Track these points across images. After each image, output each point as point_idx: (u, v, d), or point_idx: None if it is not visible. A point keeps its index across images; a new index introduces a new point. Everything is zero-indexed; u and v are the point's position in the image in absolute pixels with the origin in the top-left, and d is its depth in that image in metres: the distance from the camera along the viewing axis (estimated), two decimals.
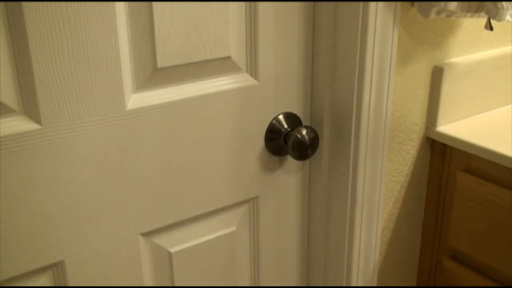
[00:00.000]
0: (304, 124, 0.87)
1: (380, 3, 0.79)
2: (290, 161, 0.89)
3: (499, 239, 0.98)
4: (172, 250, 0.80)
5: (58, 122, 0.64)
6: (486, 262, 1.02)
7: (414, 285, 1.17)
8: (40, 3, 0.58)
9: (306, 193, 0.94)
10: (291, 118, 0.85)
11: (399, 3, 0.82)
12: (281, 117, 0.84)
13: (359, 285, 0.98)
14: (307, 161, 0.91)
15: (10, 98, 0.61)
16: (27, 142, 0.62)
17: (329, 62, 0.84)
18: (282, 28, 0.79)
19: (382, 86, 0.85)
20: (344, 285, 0.97)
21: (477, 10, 0.83)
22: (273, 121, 0.83)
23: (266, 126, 0.83)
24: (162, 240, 0.79)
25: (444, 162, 1.05)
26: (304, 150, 0.80)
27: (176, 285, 0.83)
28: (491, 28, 0.89)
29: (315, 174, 0.92)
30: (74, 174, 0.67)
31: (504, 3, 0.79)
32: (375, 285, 1.01)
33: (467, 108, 1.06)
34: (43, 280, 0.71)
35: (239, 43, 0.76)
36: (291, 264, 0.98)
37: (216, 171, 0.80)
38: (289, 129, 0.83)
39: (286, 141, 0.82)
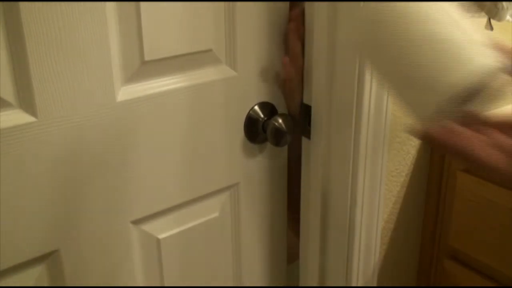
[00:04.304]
0: (279, 112, 0.90)
1: None
2: (270, 148, 0.92)
3: (499, 239, 0.98)
4: (160, 236, 0.83)
5: (53, 115, 0.66)
6: (486, 262, 1.02)
7: (414, 285, 1.17)
8: (35, 2, 0.61)
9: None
10: (268, 107, 0.88)
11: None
12: (259, 106, 0.87)
13: (359, 285, 0.98)
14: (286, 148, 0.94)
15: (7, 92, 0.63)
16: (24, 134, 0.65)
17: (329, 62, 0.84)
18: (261, 25, 0.83)
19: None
20: (344, 285, 0.97)
21: (477, 10, 0.83)
22: (252, 110, 0.86)
23: (245, 115, 0.86)
24: (150, 227, 0.82)
25: (444, 162, 1.05)
26: (283, 137, 0.85)
27: (164, 270, 0.86)
28: (491, 28, 0.89)
29: (315, 174, 0.92)
30: (69, 164, 0.70)
31: (504, 3, 0.80)
32: (375, 285, 1.01)
33: None
34: (40, 269, 0.72)
35: (219, 37, 0.80)
36: (277, 248, 1.00)
37: (200, 159, 0.83)
38: (266, 118, 0.87)
39: (265, 129, 0.86)
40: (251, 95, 0.85)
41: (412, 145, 1.00)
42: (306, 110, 0.91)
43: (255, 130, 0.87)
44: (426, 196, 1.09)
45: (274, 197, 0.96)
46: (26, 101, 0.64)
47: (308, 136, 0.92)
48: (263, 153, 0.91)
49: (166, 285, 0.86)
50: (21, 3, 0.60)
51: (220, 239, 0.92)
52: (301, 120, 0.92)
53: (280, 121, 0.84)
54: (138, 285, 0.83)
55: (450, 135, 0.38)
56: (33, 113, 0.65)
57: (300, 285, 1.04)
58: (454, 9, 0.41)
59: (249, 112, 0.86)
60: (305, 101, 0.91)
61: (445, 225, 1.08)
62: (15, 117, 0.64)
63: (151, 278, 0.85)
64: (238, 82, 0.83)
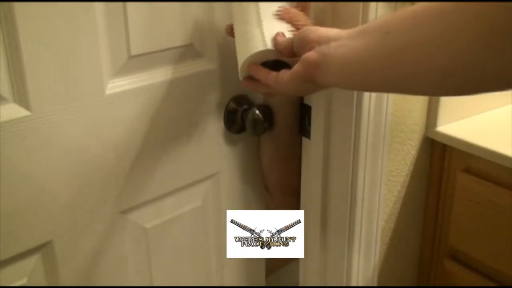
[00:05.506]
0: (256, 103, 0.93)
1: (380, 3, 0.79)
2: (248, 137, 0.95)
3: (499, 239, 0.98)
4: (147, 226, 0.86)
5: (47, 108, 0.69)
6: (486, 262, 1.02)
7: (414, 285, 1.17)
8: (30, 2, 0.64)
9: None
10: (246, 98, 0.92)
11: (399, 3, 0.82)
12: (237, 97, 0.90)
13: (359, 285, 0.98)
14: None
15: (2, 87, 0.65)
16: (19, 127, 0.67)
17: None
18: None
19: None
20: (344, 285, 0.97)
21: None
22: (231, 101, 0.90)
23: (224, 106, 0.90)
24: (137, 217, 0.85)
25: (444, 162, 1.05)
26: (261, 126, 0.89)
27: (152, 258, 0.88)
28: None
29: (315, 174, 0.92)
30: (62, 156, 0.72)
31: None
32: (375, 285, 1.01)
33: (467, 108, 1.06)
34: (35, 259, 0.74)
35: (199, 32, 0.83)
36: None
37: (183, 149, 0.86)
38: (244, 108, 0.91)
39: (243, 119, 0.90)
40: (230, 87, 0.89)
41: (412, 145, 1.01)
42: (306, 110, 0.91)
43: (234, 120, 0.91)
44: (426, 196, 1.09)
45: (252, 184, 1.00)
46: (21, 96, 0.66)
47: (308, 136, 0.92)
48: (241, 142, 0.95)
49: (154, 272, 0.89)
50: (16, 3, 0.62)
51: (204, 227, 0.95)
52: (301, 120, 0.93)
53: (258, 111, 0.88)
54: (128, 273, 0.86)
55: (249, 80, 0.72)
56: (27, 107, 0.67)
57: (300, 285, 1.04)
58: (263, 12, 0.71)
59: (228, 103, 0.90)
60: (305, 101, 0.91)
61: (445, 225, 1.08)
62: (10, 111, 0.66)
63: (140, 266, 0.87)
64: (217, 75, 0.87)
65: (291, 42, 0.66)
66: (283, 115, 0.92)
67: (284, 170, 0.98)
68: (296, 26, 0.71)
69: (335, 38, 0.61)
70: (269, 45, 0.68)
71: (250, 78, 0.72)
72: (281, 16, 0.71)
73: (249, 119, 0.89)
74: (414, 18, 0.53)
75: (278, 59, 0.71)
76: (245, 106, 0.91)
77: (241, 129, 0.93)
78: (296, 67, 0.64)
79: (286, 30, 0.70)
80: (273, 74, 0.68)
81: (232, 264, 1.02)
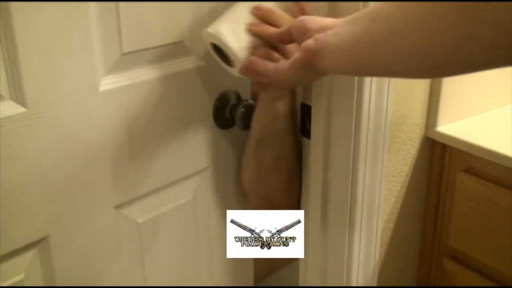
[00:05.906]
0: (244, 98, 0.95)
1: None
2: (237, 133, 0.97)
3: (499, 239, 0.98)
4: (139, 220, 0.88)
5: (42, 105, 0.70)
6: (486, 262, 1.02)
7: (414, 285, 1.17)
8: (25, 2, 0.65)
9: None
10: (235, 94, 0.93)
11: None
12: (226, 93, 0.92)
13: (359, 285, 0.98)
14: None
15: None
16: (15, 124, 0.68)
17: None
18: None
19: (382, 86, 0.85)
20: (344, 285, 0.97)
21: None
22: (220, 97, 0.91)
23: (213, 102, 0.91)
24: (130, 212, 0.86)
25: (444, 162, 1.05)
26: (250, 121, 0.90)
27: (145, 252, 0.90)
28: None
29: (315, 174, 0.92)
30: (57, 152, 0.73)
31: None
32: (375, 285, 1.01)
33: (467, 108, 1.07)
34: (32, 254, 0.75)
35: (189, 29, 0.85)
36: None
37: (174, 145, 0.88)
38: (233, 104, 0.92)
39: (232, 115, 0.92)
40: (219, 83, 0.91)
41: (412, 145, 1.01)
42: (306, 110, 0.91)
43: (223, 116, 0.93)
44: (426, 196, 1.09)
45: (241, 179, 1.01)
46: (17, 93, 0.68)
47: (308, 136, 0.92)
48: (230, 138, 0.96)
49: (146, 266, 0.91)
50: (12, 2, 0.64)
51: (195, 220, 0.97)
52: (301, 120, 0.93)
53: (247, 106, 0.90)
54: (122, 267, 0.87)
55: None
56: (23, 104, 0.68)
57: (300, 285, 1.04)
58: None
59: (217, 99, 0.91)
60: (305, 101, 0.91)
61: (445, 225, 1.08)
62: (7, 108, 0.67)
63: (133, 260, 0.89)
64: (206, 71, 0.88)
65: (289, 30, 0.70)
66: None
67: (269, 186, 0.95)
68: (274, 25, 0.75)
69: (332, 26, 0.65)
70: (219, 32, 0.73)
71: (249, 67, 0.74)
72: (255, 14, 0.75)
73: (238, 114, 0.90)
74: (398, 5, 0.56)
75: (224, 50, 0.75)
76: (234, 102, 0.92)
77: (230, 125, 0.94)
78: (296, 55, 0.68)
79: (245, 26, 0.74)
80: (272, 64, 0.71)
81: (221, 257, 1.04)
